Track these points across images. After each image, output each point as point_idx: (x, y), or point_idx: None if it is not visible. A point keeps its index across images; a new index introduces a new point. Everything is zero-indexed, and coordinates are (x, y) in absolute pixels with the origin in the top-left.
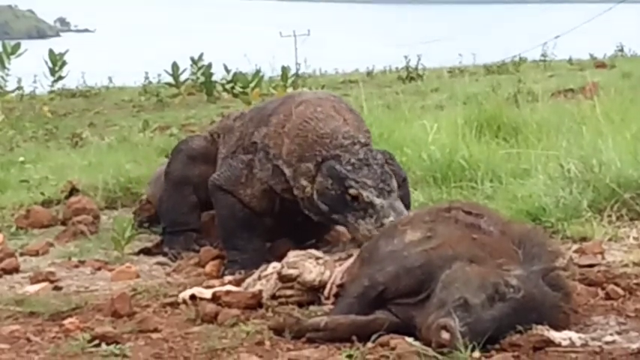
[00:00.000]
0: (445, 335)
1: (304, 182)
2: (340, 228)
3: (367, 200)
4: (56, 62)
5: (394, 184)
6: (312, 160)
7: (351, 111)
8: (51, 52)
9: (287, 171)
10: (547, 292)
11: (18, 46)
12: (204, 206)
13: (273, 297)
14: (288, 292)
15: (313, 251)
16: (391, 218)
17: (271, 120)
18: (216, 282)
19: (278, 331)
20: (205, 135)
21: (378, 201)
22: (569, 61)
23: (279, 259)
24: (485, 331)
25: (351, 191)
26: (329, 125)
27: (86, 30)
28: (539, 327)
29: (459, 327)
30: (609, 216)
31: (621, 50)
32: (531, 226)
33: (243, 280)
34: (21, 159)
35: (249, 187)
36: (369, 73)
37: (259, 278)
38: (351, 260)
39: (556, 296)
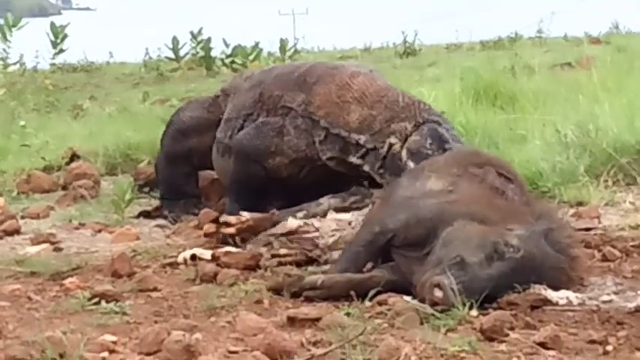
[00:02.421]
0: (438, 293)
1: (394, 140)
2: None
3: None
4: (58, 35)
5: None
6: (410, 120)
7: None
8: (52, 24)
9: (356, 138)
10: (548, 252)
11: (19, 18)
12: (201, 169)
13: (272, 256)
14: (283, 250)
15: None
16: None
17: (315, 89)
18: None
19: (276, 290)
20: (204, 100)
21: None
22: (565, 37)
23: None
24: (481, 289)
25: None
26: (410, 96)
27: (87, 8)
28: (537, 286)
29: (454, 285)
30: (606, 181)
31: (616, 27)
32: (556, 207)
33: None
34: (22, 123)
35: (278, 155)
36: (367, 49)
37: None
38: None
39: (558, 257)
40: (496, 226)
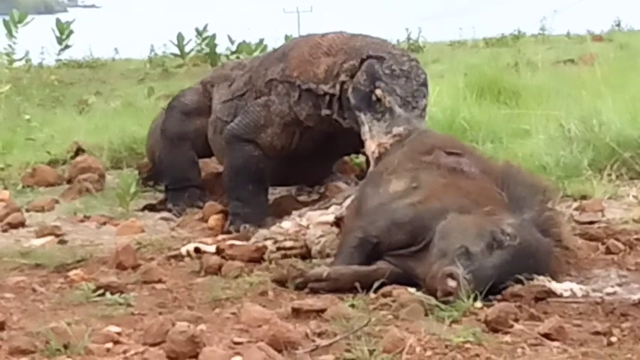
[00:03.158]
0: (451, 283)
1: (344, 77)
2: (341, 184)
3: (388, 105)
4: (63, 31)
5: (423, 104)
6: (357, 57)
7: None
8: (58, 21)
9: (323, 88)
10: (540, 238)
11: (25, 14)
12: (203, 156)
13: (277, 249)
14: (288, 243)
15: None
16: (401, 129)
17: (290, 54)
18: (221, 237)
19: (280, 282)
20: (197, 87)
21: (398, 110)
22: (568, 35)
23: (280, 215)
24: (488, 278)
25: (377, 92)
26: (373, 38)
27: (93, 5)
28: (541, 277)
29: (466, 275)
30: (609, 175)
31: (618, 25)
32: (508, 163)
33: (247, 236)
34: (27, 117)
35: (269, 126)
36: None
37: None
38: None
39: (549, 242)
40: (474, 211)
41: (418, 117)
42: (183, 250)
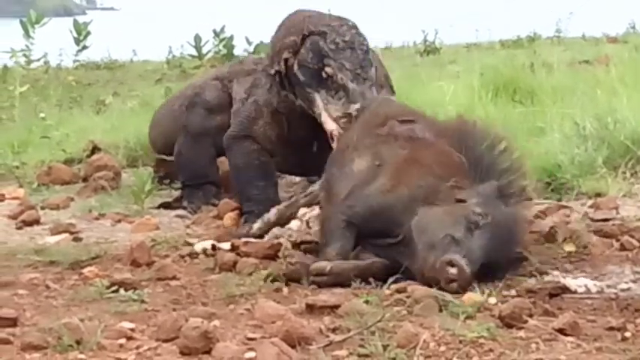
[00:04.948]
0: (453, 270)
1: (287, 55)
2: None
3: (341, 82)
4: (81, 32)
5: (372, 72)
6: (298, 33)
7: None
8: (75, 22)
9: (273, 68)
10: (505, 209)
11: (42, 16)
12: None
13: (293, 246)
14: (308, 237)
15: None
16: (358, 105)
17: (272, 43)
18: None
19: (292, 278)
20: (215, 83)
21: (351, 85)
22: (583, 37)
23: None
24: (478, 260)
25: (327, 70)
26: (313, 12)
27: (112, 8)
28: (555, 273)
29: (463, 261)
30: (624, 172)
31: (633, 27)
32: (462, 119)
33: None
34: (42, 115)
35: (259, 118)
36: (388, 48)
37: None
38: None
39: (513, 210)
40: (439, 186)
41: (370, 88)
42: (199, 248)
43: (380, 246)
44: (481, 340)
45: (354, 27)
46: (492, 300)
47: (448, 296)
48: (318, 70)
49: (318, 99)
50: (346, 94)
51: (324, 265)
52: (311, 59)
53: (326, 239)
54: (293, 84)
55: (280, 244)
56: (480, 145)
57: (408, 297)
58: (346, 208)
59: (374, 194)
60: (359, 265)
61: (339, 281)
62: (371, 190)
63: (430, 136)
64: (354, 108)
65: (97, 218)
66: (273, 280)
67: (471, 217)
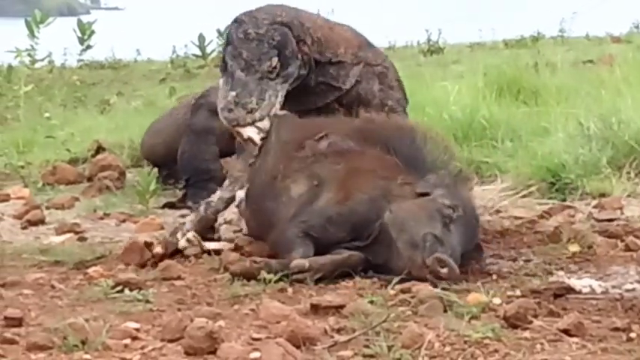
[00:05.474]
0: (444, 269)
1: (221, 41)
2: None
3: (230, 70)
4: (85, 31)
5: (266, 66)
6: (232, 20)
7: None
8: (79, 21)
9: None
10: (463, 195)
11: (46, 15)
12: (226, 155)
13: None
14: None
15: None
16: (233, 93)
17: None
18: None
19: (245, 276)
20: None
21: (237, 73)
22: (587, 37)
23: None
24: (459, 254)
25: (226, 57)
26: (294, 8)
27: (116, 8)
28: (560, 273)
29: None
30: (628, 173)
31: (637, 27)
32: (368, 119)
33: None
34: (47, 115)
35: None
36: (391, 47)
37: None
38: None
39: (469, 195)
40: (392, 186)
41: (257, 80)
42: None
43: (350, 249)
44: (486, 341)
45: (280, 22)
46: (497, 300)
47: (453, 297)
48: (223, 57)
49: (220, 83)
50: (231, 83)
51: (303, 262)
52: (223, 46)
53: (286, 249)
54: None
55: None
56: (405, 143)
57: (412, 297)
58: (299, 223)
59: (328, 206)
60: (335, 259)
61: (320, 276)
62: (321, 205)
63: (355, 146)
64: (229, 97)
65: (101, 218)
66: (278, 281)
67: (444, 211)
